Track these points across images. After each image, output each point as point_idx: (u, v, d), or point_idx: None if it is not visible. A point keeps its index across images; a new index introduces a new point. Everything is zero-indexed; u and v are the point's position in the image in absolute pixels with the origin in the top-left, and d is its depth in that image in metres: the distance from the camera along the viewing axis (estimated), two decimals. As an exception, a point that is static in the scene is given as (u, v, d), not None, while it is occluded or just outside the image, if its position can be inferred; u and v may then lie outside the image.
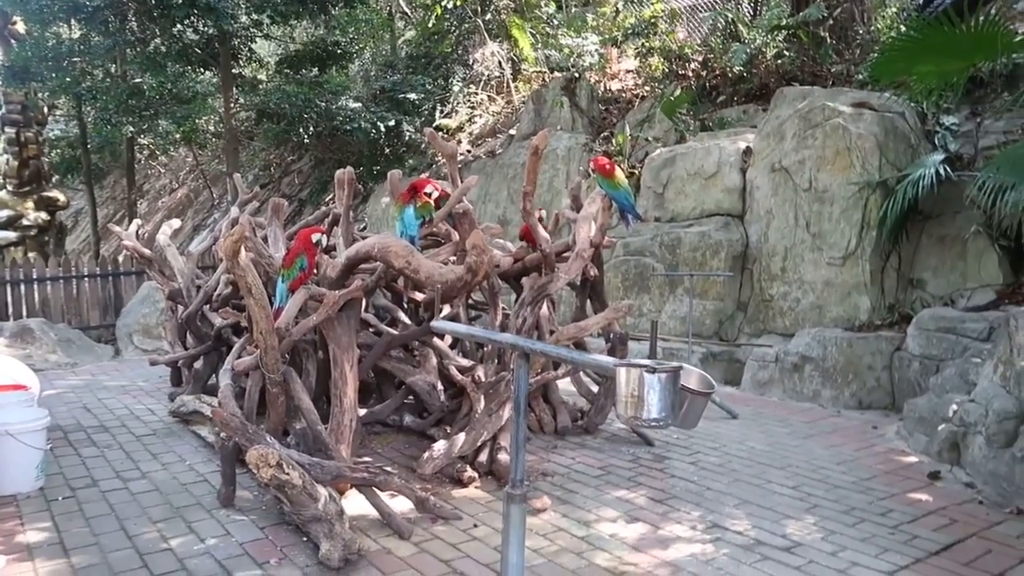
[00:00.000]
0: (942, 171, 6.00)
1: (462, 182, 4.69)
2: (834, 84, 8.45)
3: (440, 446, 4.26)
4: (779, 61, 9.29)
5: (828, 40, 9.09)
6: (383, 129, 12.16)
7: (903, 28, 7.00)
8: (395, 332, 4.92)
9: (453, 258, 4.76)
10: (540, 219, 4.98)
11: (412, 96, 12.57)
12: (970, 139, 6.84)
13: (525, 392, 1.71)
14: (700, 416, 1.65)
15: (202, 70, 13.52)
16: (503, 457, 4.31)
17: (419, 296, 5.22)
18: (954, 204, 6.15)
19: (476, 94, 13.23)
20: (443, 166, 11.34)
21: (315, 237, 4.16)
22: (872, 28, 9.07)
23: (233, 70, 13.04)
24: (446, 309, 5.11)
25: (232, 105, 12.90)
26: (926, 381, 5.40)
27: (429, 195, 4.59)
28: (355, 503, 3.80)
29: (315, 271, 4.22)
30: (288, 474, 3.19)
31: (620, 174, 4.89)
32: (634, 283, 7.86)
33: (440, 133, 12.64)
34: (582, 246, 4.91)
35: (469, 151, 12.13)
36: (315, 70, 13.50)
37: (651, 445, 4.92)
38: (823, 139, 6.80)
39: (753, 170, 7.47)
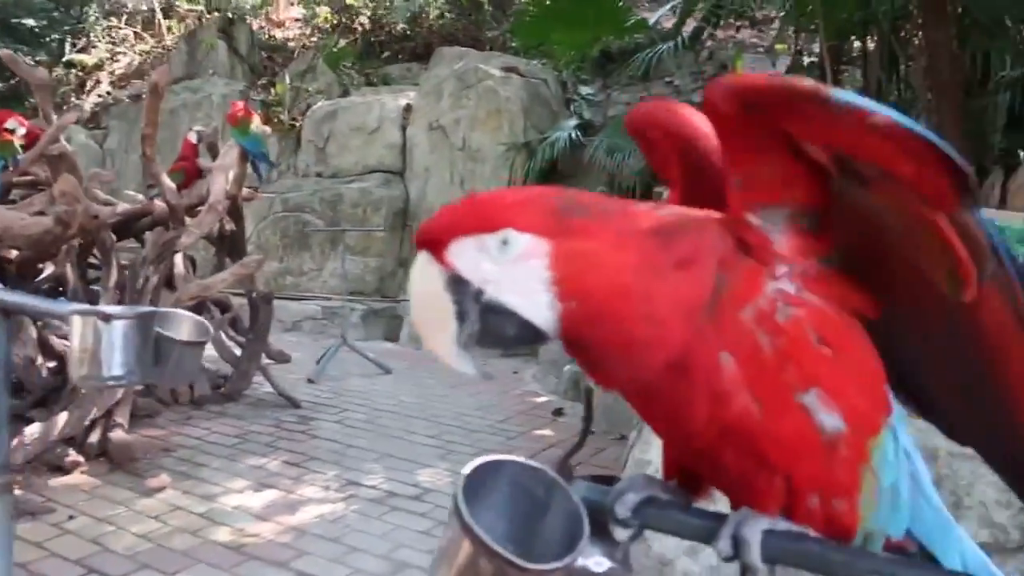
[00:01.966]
0: (575, 135, 6.56)
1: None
2: (492, 49, 8.82)
3: (34, 429, 3.60)
4: (441, 22, 9.45)
5: (486, 6, 9.45)
6: (-7, 60, 10.14)
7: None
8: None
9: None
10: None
11: (30, 22, 10.64)
12: (602, 108, 7.58)
13: (3, 355, 1.35)
14: (198, 368, 1.50)
15: None
16: (119, 435, 3.81)
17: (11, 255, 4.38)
18: (585, 166, 6.76)
19: (119, 28, 11.61)
20: (75, 108, 9.85)
21: None
22: (527, -2, 9.63)
23: None
24: (49, 268, 4.36)
25: None
26: (560, 327, 5.90)
27: (12, 132, 3.82)
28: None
29: None
30: None
31: (256, 121, 4.54)
32: (294, 241, 7.52)
33: (74, 71, 10.95)
34: (216, 198, 4.48)
35: (110, 93, 10.65)
36: None
37: (297, 407, 4.72)
38: (476, 100, 7.04)
39: (413, 127, 7.52)
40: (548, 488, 0.71)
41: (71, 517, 3.15)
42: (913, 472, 0.73)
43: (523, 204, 0.65)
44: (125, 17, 11.69)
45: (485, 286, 0.64)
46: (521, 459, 0.71)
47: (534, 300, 0.63)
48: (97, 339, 1.09)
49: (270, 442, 4.12)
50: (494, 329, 0.65)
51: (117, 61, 11.39)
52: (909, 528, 0.73)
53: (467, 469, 0.68)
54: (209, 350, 5.15)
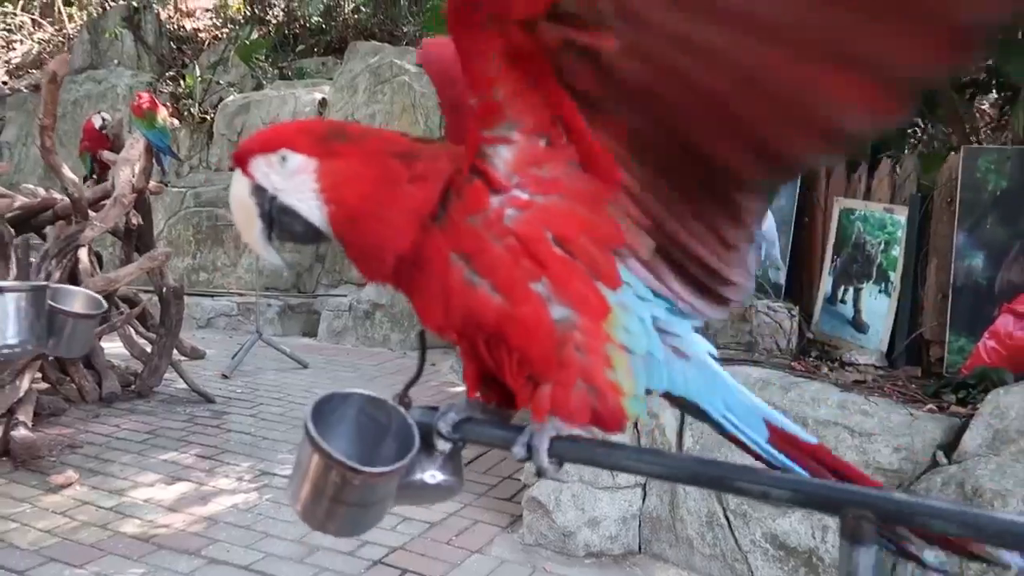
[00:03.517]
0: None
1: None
2: (407, 44, 8.85)
3: (-71, 430, 3.51)
4: (356, 16, 9.42)
5: (401, 0, 9.47)
6: None
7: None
8: None
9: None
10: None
11: (-82, 8, 10.07)
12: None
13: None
14: (91, 339, 1.56)
15: None
16: (22, 433, 3.72)
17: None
18: (500, 161, 6.90)
19: (14, 15, 11.09)
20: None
21: None
22: (442, -6, 9.66)
23: None
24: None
25: None
26: (476, 319, 6.02)
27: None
28: None
29: None
30: None
31: (162, 113, 4.49)
32: (207, 236, 7.40)
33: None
34: (121, 191, 4.42)
35: (6, 83, 10.18)
36: None
37: (211, 402, 4.69)
38: (391, 95, 7.08)
39: (328, 122, 7.50)
40: (390, 415, 0.86)
41: (-29, 516, 3.08)
42: (675, 344, 0.87)
43: (299, 131, 0.85)
44: (21, 3, 11.18)
45: (276, 192, 0.83)
46: (366, 392, 0.86)
47: (309, 204, 0.83)
48: (-11, 311, 1.15)
49: (182, 437, 4.10)
50: (287, 226, 0.85)
51: (13, 49, 10.90)
52: (669, 389, 0.87)
53: (316, 399, 0.82)
54: (118, 348, 5.08)
